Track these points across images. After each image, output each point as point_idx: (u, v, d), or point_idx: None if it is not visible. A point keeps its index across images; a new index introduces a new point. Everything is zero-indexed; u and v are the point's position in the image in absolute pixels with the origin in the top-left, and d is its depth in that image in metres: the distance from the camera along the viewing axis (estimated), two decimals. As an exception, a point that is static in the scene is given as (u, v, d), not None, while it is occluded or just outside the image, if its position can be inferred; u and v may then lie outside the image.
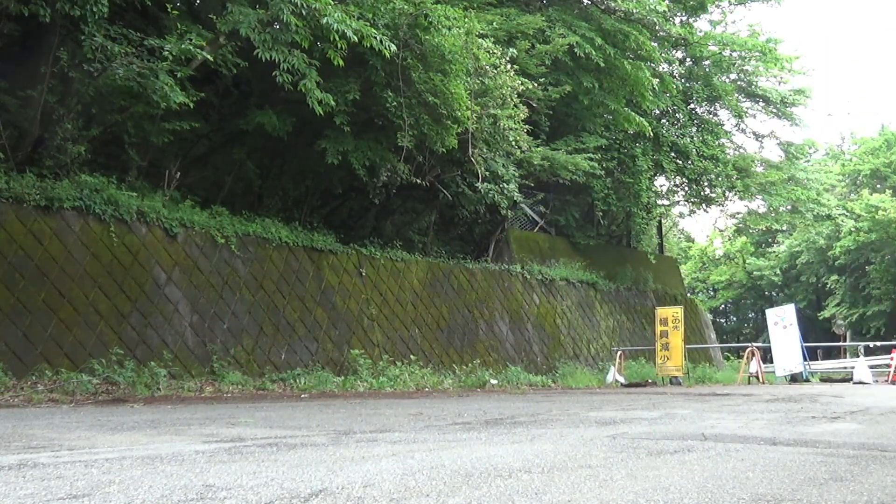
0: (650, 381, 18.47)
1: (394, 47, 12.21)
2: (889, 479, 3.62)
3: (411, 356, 15.33)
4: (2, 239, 10.38)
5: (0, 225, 10.41)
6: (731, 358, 27.14)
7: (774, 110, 26.71)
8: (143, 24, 12.39)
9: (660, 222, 29.44)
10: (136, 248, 11.86)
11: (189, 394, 10.63)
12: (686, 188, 26.81)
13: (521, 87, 15.57)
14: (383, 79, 13.62)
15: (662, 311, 19.39)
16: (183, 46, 11.07)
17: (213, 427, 5.81)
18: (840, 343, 35.03)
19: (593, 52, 18.05)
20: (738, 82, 25.94)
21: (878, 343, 25.34)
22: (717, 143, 24.90)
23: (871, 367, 20.78)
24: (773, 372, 21.00)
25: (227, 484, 3.21)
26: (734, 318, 52.62)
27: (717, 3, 25.06)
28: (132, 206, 11.87)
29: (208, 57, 11.64)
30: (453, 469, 3.73)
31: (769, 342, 21.67)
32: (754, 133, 28.41)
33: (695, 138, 24.22)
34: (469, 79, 14.25)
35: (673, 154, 24.05)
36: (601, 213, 22.49)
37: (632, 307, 23.26)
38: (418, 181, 15.66)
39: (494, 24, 16.50)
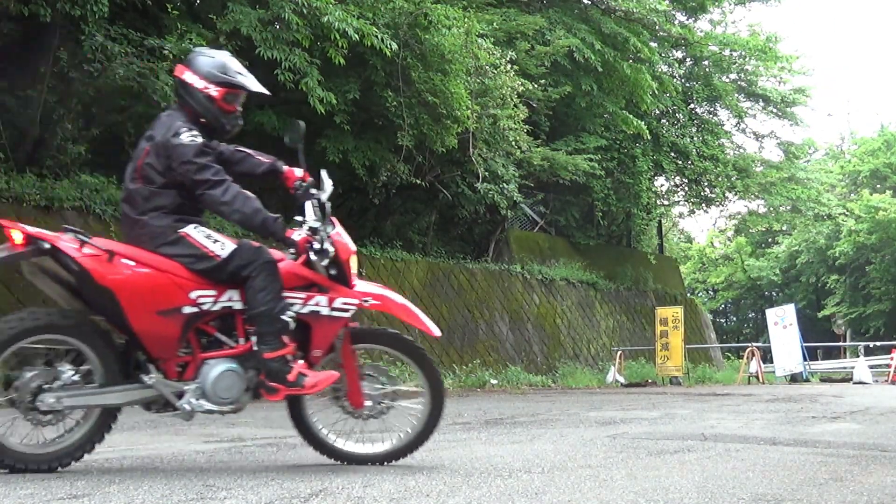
0: (650, 381, 18.47)
1: (395, 46, 12.22)
2: (889, 479, 3.63)
3: (411, 356, 15.30)
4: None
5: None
6: (731, 358, 27.13)
7: (774, 110, 26.68)
8: (143, 24, 12.36)
9: (660, 222, 29.43)
10: (136, 248, 11.84)
11: (189, 394, 10.60)
12: (686, 188, 26.82)
13: (522, 88, 15.56)
14: (383, 78, 13.61)
15: (662, 311, 19.39)
16: (183, 46, 11.06)
17: (213, 427, 5.81)
18: (840, 343, 35.04)
19: (592, 56, 18.04)
20: (739, 82, 25.91)
21: (878, 343, 25.35)
22: (717, 143, 24.89)
23: (871, 367, 20.76)
24: (773, 372, 21.00)
25: (227, 484, 3.21)
26: (734, 319, 52.59)
27: (716, 3, 25.03)
28: (132, 205, 11.84)
29: (208, 56, 11.63)
30: (453, 469, 3.74)
31: (769, 342, 21.67)
32: (754, 133, 28.36)
33: (695, 138, 24.22)
34: (469, 79, 14.24)
35: (673, 154, 24.04)
36: (601, 214, 22.47)
37: (632, 307, 23.26)
38: (418, 181, 15.65)
39: (494, 24, 16.49)
